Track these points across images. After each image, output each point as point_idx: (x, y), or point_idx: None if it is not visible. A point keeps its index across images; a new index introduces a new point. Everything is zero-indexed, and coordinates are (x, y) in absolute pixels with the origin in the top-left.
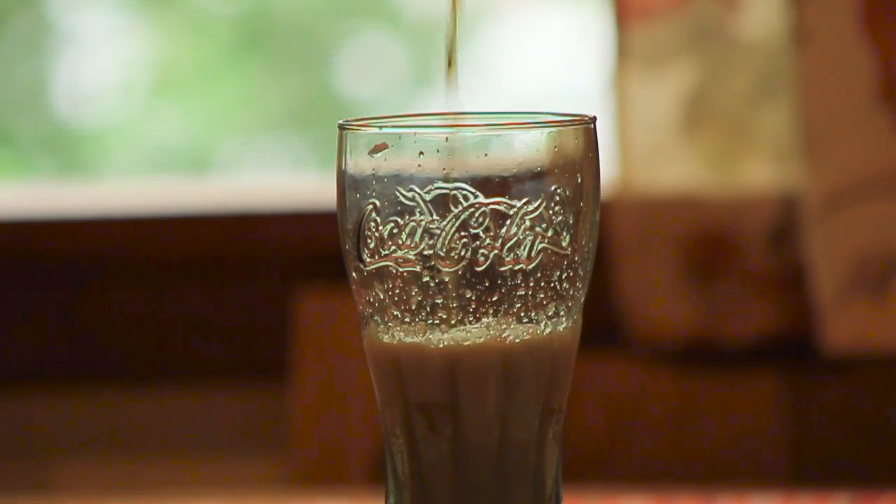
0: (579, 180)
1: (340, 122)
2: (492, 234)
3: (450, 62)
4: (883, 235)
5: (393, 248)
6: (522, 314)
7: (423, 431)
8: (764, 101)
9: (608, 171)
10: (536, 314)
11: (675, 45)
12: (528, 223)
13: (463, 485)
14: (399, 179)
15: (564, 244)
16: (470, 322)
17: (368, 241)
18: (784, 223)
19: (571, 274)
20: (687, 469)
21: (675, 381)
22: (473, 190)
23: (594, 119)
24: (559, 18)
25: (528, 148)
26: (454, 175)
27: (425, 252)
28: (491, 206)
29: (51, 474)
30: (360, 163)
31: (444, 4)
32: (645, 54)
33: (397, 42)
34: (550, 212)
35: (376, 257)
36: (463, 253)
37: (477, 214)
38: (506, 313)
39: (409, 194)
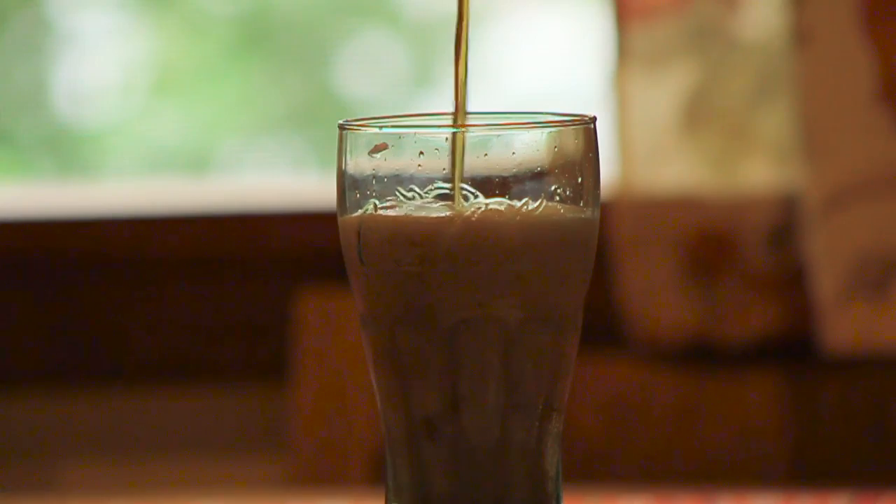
0: (579, 180)
1: (340, 122)
2: None
3: (458, 64)
4: (883, 235)
5: (393, 248)
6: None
7: (424, 431)
8: (764, 101)
9: (608, 171)
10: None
11: (675, 45)
12: None
13: (463, 485)
14: (399, 179)
15: None
16: (470, 317)
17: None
18: (784, 223)
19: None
20: (687, 469)
21: (675, 381)
22: (473, 190)
23: (594, 119)
24: (559, 18)
25: (528, 148)
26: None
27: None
28: (491, 206)
29: (51, 475)
30: (360, 163)
31: (452, 7)
32: (645, 54)
33: (397, 42)
34: None
35: (376, 257)
36: None
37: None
38: (507, 308)
39: (410, 194)
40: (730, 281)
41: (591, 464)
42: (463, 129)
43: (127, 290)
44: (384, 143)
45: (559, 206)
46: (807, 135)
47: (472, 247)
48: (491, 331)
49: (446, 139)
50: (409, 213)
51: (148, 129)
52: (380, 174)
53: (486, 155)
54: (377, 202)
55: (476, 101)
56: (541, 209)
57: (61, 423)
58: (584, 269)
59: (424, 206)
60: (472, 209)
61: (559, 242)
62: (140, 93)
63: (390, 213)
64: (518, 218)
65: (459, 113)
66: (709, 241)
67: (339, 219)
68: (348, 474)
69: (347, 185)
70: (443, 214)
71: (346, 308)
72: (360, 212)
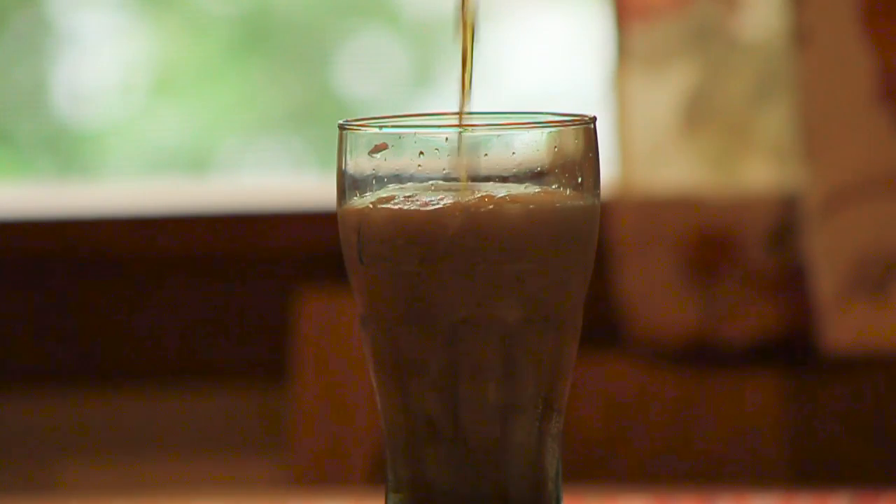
0: (579, 180)
1: (340, 122)
2: None
3: (464, 66)
4: (883, 235)
5: (393, 247)
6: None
7: (423, 431)
8: (764, 101)
9: (608, 171)
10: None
11: (675, 45)
12: None
13: (463, 484)
14: (399, 179)
15: None
16: (470, 317)
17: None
18: (784, 223)
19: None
20: (687, 469)
21: (675, 382)
22: None
23: (594, 119)
24: (559, 18)
25: (528, 148)
26: (454, 175)
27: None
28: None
29: (51, 475)
30: (360, 163)
31: (457, 14)
32: (645, 54)
33: (397, 42)
34: None
35: (376, 257)
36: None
37: None
38: (507, 308)
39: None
40: (730, 281)
41: (591, 464)
42: (465, 129)
43: (127, 289)
44: (384, 143)
45: (559, 195)
46: (807, 135)
47: (472, 239)
48: (491, 331)
49: (446, 139)
50: (409, 209)
51: (148, 129)
52: (380, 174)
53: (486, 155)
54: (377, 202)
55: (476, 101)
56: (542, 198)
57: (61, 423)
58: (584, 266)
59: (424, 203)
60: (472, 201)
61: (560, 233)
62: (140, 93)
63: (391, 208)
64: (519, 207)
65: (465, 111)
66: (709, 241)
67: (339, 219)
68: (348, 474)
69: (347, 185)
70: (442, 206)
71: (346, 308)
72: (359, 212)
